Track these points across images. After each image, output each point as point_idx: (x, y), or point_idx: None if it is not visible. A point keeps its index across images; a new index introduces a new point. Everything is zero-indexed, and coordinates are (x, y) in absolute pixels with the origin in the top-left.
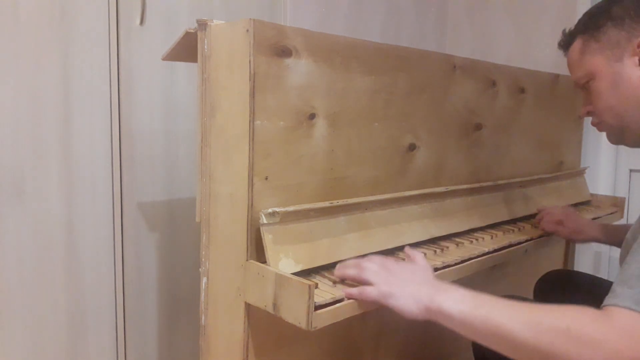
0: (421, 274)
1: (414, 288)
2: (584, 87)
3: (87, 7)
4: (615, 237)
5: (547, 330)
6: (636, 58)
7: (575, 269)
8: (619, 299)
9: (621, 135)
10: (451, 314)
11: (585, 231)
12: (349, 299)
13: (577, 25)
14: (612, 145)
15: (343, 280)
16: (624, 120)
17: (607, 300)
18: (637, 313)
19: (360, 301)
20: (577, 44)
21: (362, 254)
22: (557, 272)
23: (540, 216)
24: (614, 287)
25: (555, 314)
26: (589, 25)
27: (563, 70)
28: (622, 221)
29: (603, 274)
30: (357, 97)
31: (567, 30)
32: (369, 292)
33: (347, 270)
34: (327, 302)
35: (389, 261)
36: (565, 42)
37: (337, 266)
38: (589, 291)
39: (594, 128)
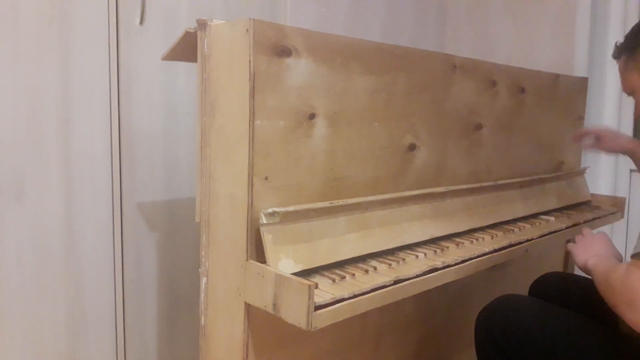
0: (601, 248)
1: (590, 253)
2: (630, 96)
3: (87, 7)
4: None
5: (608, 285)
6: None
7: (576, 270)
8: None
9: None
10: (591, 272)
11: (619, 142)
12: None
13: (623, 43)
14: None
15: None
16: None
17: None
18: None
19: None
20: (622, 60)
21: (362, 254)
22: (552, 274)
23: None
24: None
25: (609, 270)
26: (629, 45)
27: (563, 70)
28: (623, 222)
29: None
30: (357, 97)
31: (617, 44)
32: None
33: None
34: (327, 302)
35: (595, 239)
36: (615, 55)
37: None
38: (583, 294)
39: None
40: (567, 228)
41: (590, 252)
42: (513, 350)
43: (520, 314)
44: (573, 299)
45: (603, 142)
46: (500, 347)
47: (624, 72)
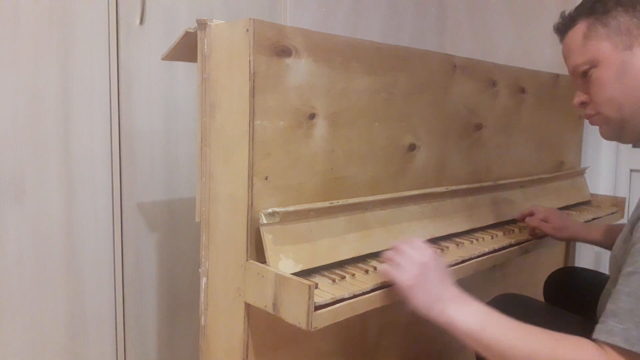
0: (443, 278)
1: (433, 291)
2: (583, 75)
3: (87, 6)
4: (598, 236)
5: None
6: None
7: (576, 263)
8: (611, 335)
9: (619, 130)
10: (460, 329)
11: (568, 228)
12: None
13: (580, 8)
14: (612, 145)
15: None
16: (624, 114)
17: (600, 334)
18: (630, 352)
19: (387, 290)
20: (579, 28)
21: (362, 254)
22: (564, 269)
23: (528, 212)
24: (604, 318)
25: (555, 348)
26: (596, 9)
27: (563, 70)
28: (622, 221)
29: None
30: (357, 97)
31: (566, 13)
32: (396, 276)
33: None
34: (327, 302)
35: (427, 256)
36: (564, 25)
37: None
38: (596, 289)
39: (596, 128)
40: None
41: (434, 289)
42: None
43: (517, 313)
44: (585, 295)
45: (551, 227)
46: None
47: (583, 43)
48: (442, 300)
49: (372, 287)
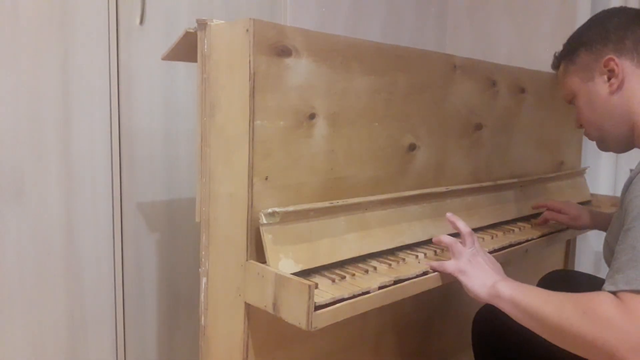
0: (494, 265)
1: (485, 274)
2: (571, 103)
3: (87, 6)
4: (603, 222)
5: (568, 313)
6: (604, 76)
7: (576, 269)
8: (616, 284)
9: (604, 144)
10: (505, 298)
11: (582, 217)
12: (433, 270)
13: (561, 51)
14: None
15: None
16: (602, 131)
17: (608, 287)
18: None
19: (439, 273)
20: (561, 67)
21: (362, 254)
22: (558, 272)
23: (543, 205)
24: (611, 273)
25: (575, 298)
26: (568, 51)
27: None
28: None
29: (603, 274)
30: (357, 97)
31: (556, 54)
32: (448, 265)
33: (444, 238)
34: (327, 302)
35: (478, 247)
36: (554, 65)
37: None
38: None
39: None
40: (567, 228)
41: (487, 271)
42: (509, 351)
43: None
44: None
45: (569, 218)
46: (496, 349)
47: (563, 79)
48: (491, 280)
49: (372, 287)
